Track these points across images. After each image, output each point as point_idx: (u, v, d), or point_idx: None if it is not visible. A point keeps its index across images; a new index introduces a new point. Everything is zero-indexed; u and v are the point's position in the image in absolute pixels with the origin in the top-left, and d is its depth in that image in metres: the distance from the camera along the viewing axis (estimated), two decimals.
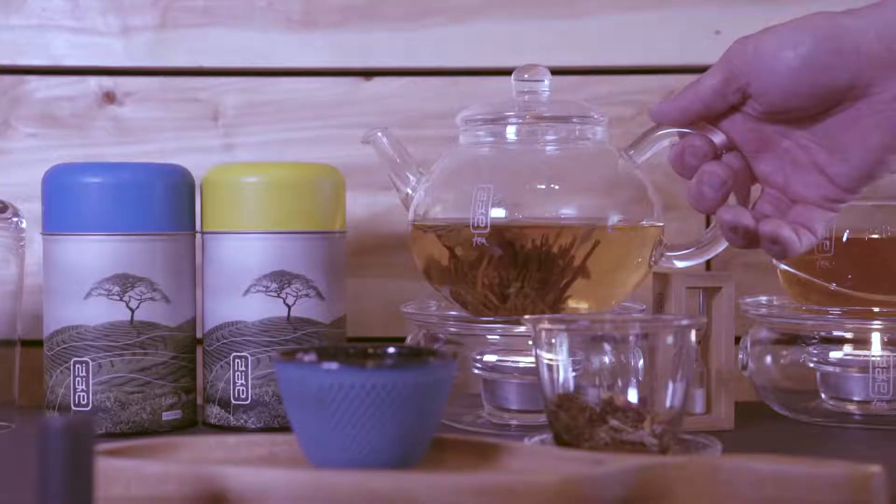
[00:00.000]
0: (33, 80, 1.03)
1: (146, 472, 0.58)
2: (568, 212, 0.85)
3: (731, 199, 0.77)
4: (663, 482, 0.59)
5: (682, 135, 0.78)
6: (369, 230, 1.04)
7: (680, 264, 0.86)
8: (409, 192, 0.89)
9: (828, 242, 0.89)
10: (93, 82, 1.03)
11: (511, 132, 0.87)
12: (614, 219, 0.84)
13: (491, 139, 0.87)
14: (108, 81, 1.03)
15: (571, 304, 0.85)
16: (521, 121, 0.86)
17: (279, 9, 1.03)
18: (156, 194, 0.85)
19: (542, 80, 0.87)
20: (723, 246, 0.83)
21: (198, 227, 0.88)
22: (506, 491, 0.56)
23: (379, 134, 0.90)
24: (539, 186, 0.85)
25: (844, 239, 0.89)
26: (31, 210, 0.92)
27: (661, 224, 0.86)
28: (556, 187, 0.86)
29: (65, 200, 0.84)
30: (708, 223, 1.04)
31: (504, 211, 0.83)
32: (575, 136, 0.86)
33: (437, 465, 0.65)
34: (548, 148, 0.87)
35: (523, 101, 0.87)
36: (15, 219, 0.88)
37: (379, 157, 0.90)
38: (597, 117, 0.87)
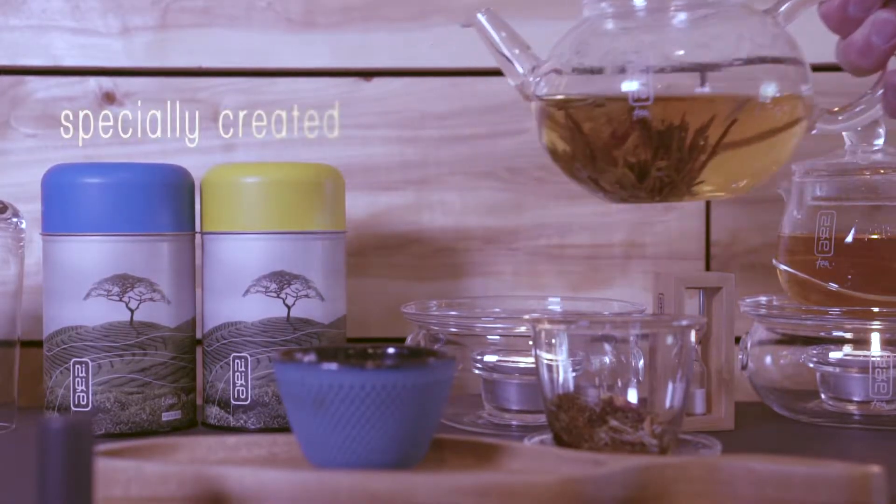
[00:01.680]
0: (33, 81, 1.03)
1: (146, 472, 0.58)
2: (723, 82, 0.78)
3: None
4: (663, 483, 0.59)
5: None
6: (369, 230, 1.04)
7: (831, 128, 0.80)
8: (522, 71, 0.81)
9: (827, 243, 0.89)
10: (93, 83, 1.03)
11: None
12: (771, 86, 0.77)
13: (615, 9, 0.80)
14: (107, 82, 1.03)
15: (718, 179, 0.78)
16: None
17: (279, 9, 1.03)
18: (155, 195, 0.85)
19: None
20: (878, 113, 0.78)
21: (197, 228, 0.88)
22: (506, 491, 0.56)
23: (479, 15, 0.82)
24: (692, 54, 0.77)
25: (844, 239, 0.89)
26: (30, 211, 0.92)
27: (812, 87, 0.79)
28: (709, 54, 0.78)
29: (64, 201, 0.84)
30: (707, 224, 1.04)
31: (658, 82, 0.75)
32: None
33: (437, 466, 0.65)
34: (687, 13, 0.78)
35: None
36: (15, 219, 0.88)
37: (483, 42, 0.83)
38: None
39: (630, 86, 0.76)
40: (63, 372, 0.84)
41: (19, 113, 1.02)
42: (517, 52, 0.82)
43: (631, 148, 0.77)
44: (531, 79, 0.81)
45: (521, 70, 0.82)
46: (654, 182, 0.78)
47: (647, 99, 0.75)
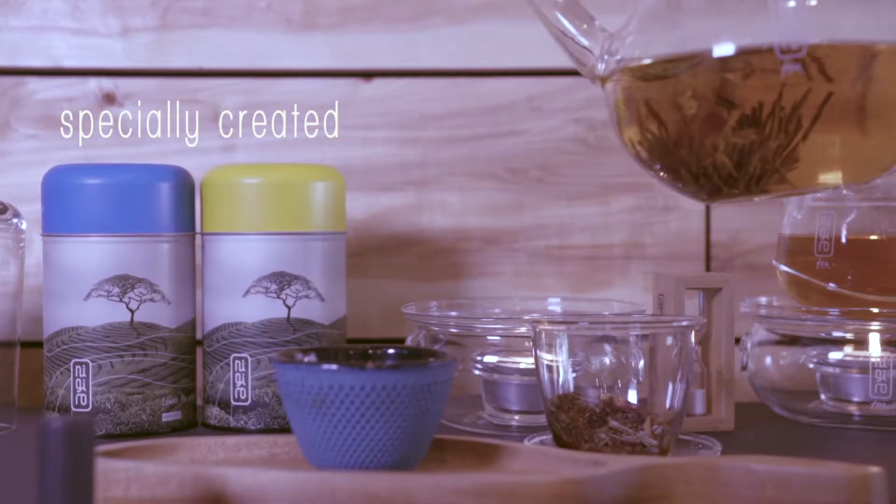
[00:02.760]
0: (33, 82, 1.03)
1: (146, 473, 0.58)
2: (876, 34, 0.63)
3: None
4: (663, 483, 0.60)
5: None
6: (369, 231, 1.04)
7: None
8: (586, 44, 0.66)
9: (827, 243, 0.89)
10: (93, 83, 1.03)
11: None
12: None
13: None
14: (108, 82, 1.03)
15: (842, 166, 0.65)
16: None
17: (279, 10, 1.03)
18: (156, 195, 0.85)
19: None
20: None
21: (198, 229, 0.88)
22: (506, 492, 0.56)
23: None
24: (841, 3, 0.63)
25: (844, 239, 0.89)
26: (31, 211, 0.92)
27: None
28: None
29: (65, 202, 0.84)
30: (707, 225, 1.04)
31: (813, 29, 0.58)
32: None
33: (437, 466, 0.65)
34: None
35: None
36: (15, 220, 0.88)
37: (540, 20, 0.67)
38: None
39: (778, 34, 0.60)
40: (63, 372, 0.84)
41: (19, 113, 1.02)
42: (584, 26, 0.67)
43: (787, 115, 0.60)
44: (605, 55, 0.67)
45: (586, 44, 0.67)
46: (754, 165, 0.63)
47: (798, 50, 0.60)
